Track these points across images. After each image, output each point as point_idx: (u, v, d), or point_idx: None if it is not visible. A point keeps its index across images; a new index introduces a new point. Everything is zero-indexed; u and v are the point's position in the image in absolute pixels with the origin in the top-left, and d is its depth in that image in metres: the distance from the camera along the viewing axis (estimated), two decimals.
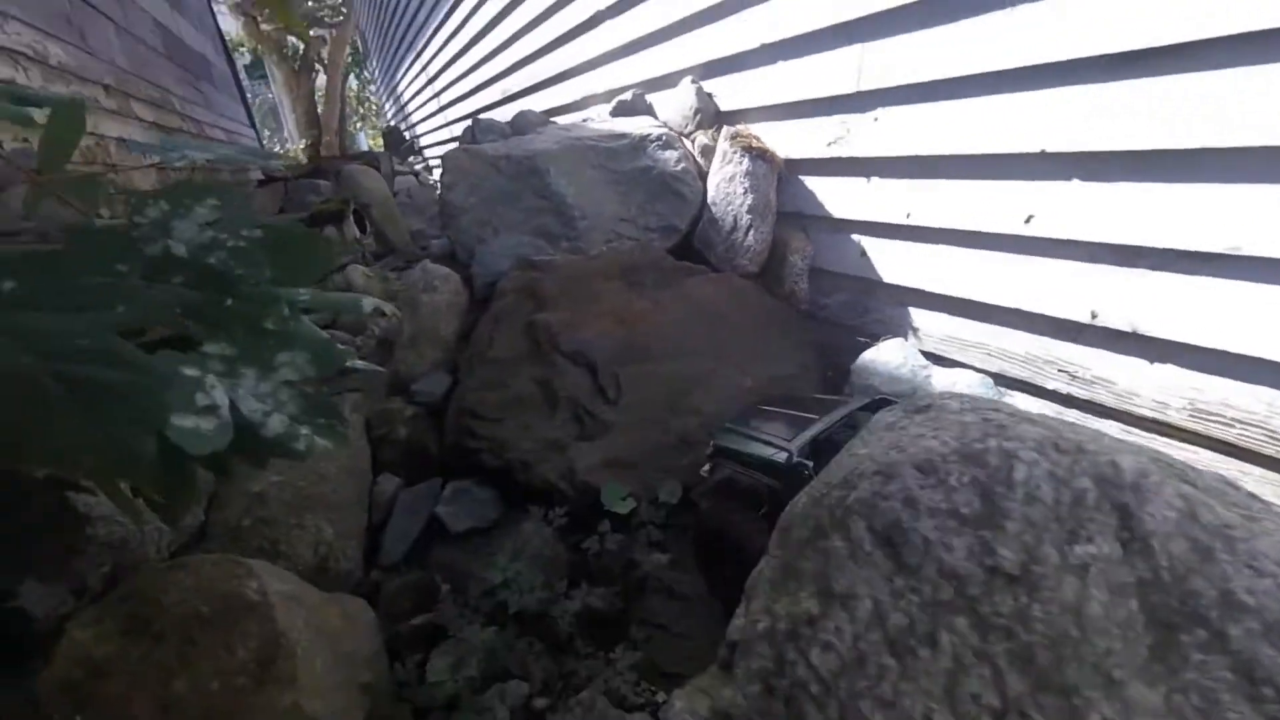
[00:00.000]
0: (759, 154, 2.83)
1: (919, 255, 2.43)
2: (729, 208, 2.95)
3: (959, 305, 2.33)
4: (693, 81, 3.29)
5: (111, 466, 0.55)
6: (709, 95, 3.26)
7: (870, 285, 2.72)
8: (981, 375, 2.28)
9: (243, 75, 10.57)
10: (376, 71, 14.83)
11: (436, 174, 10.16)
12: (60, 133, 0.91)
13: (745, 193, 2.86)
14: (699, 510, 1.95)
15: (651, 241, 3.09)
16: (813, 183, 2.84)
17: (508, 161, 3.17)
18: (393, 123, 13.22)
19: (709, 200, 3.06)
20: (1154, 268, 1.74)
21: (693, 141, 3.28)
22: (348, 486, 2.29)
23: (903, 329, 2.60)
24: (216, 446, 0.68)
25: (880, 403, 1.89)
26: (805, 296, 2.98)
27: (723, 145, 2.96)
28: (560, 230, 2.99)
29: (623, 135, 3.29)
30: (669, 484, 2.36)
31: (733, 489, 2.00)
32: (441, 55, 8.10)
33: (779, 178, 2.91)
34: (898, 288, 2.58)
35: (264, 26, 10.29)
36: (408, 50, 10.14)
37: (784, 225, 3.00)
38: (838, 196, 2.74)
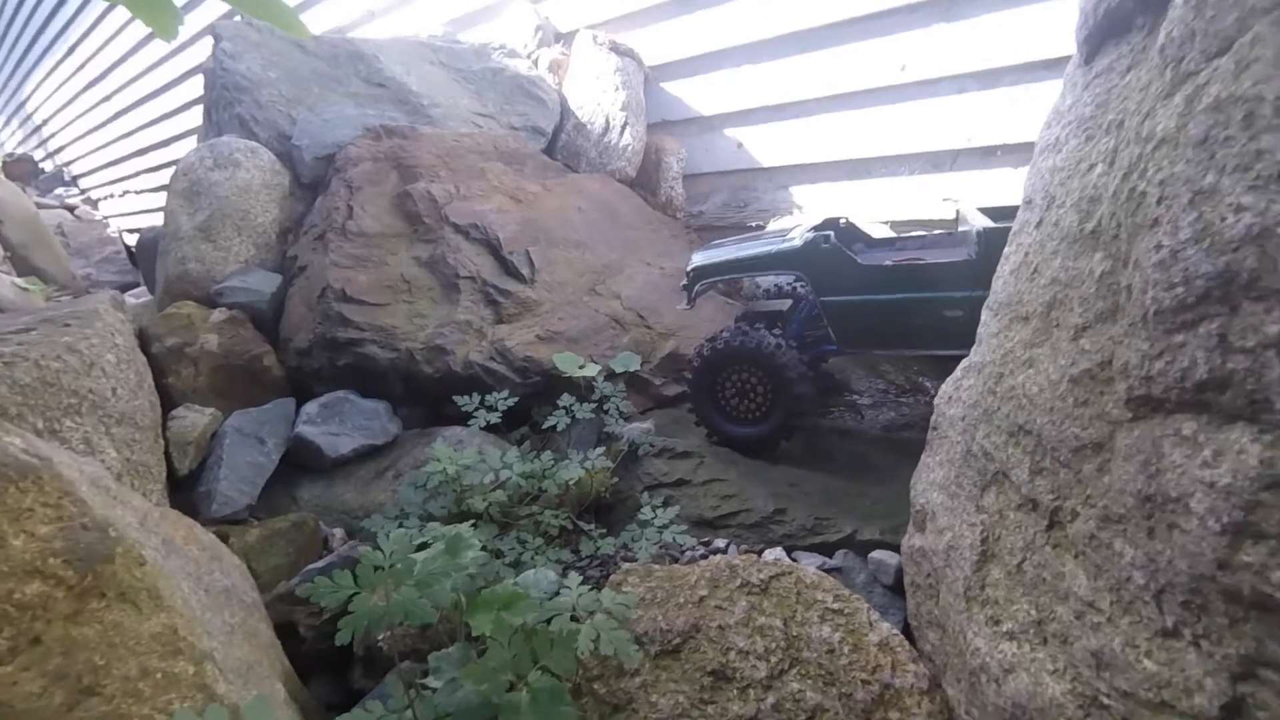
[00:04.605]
0: (626, 51, 2.74)
1: (800, 131, 2.58)
2: (598, 108, 2.77)
3: (844, 167, 2.51)
4: (531, 1, 3.10)
5: None
6: (546, 16, 3.10)
7: (750, 176, 2.78)
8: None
9: None
10: None
11: (106, 208, 7.79)
12: None
13: (617, 89, 2.72)
14: (701, 349, 1.64)
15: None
16: (678, 86, 2.85)
17: (316, 42, 2.50)
18: (19, 151, 9.86)
19: (573, 107, 2.84)
20: (1012, 83, 2.10)
21: (535, 61, 3.05)
22: (139, 396, 1.36)
23: (787, 208, 2.70)
24: None
25: (829, 222, 1.88)
26: (681, 203, 2.92)
27: (584, 47, 2.80)
28: (410, 120, 2.43)
29: (459, 41, 2.90)
30: (621, 356, 1.97)
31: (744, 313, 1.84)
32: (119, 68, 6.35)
33: (645, 79, 2.85)
34: (780, 170, 2.68)
35: None
36: (45, 54, 7.80)
37: (653, 134, 2.93)
38: (708, 94, 2.78)
